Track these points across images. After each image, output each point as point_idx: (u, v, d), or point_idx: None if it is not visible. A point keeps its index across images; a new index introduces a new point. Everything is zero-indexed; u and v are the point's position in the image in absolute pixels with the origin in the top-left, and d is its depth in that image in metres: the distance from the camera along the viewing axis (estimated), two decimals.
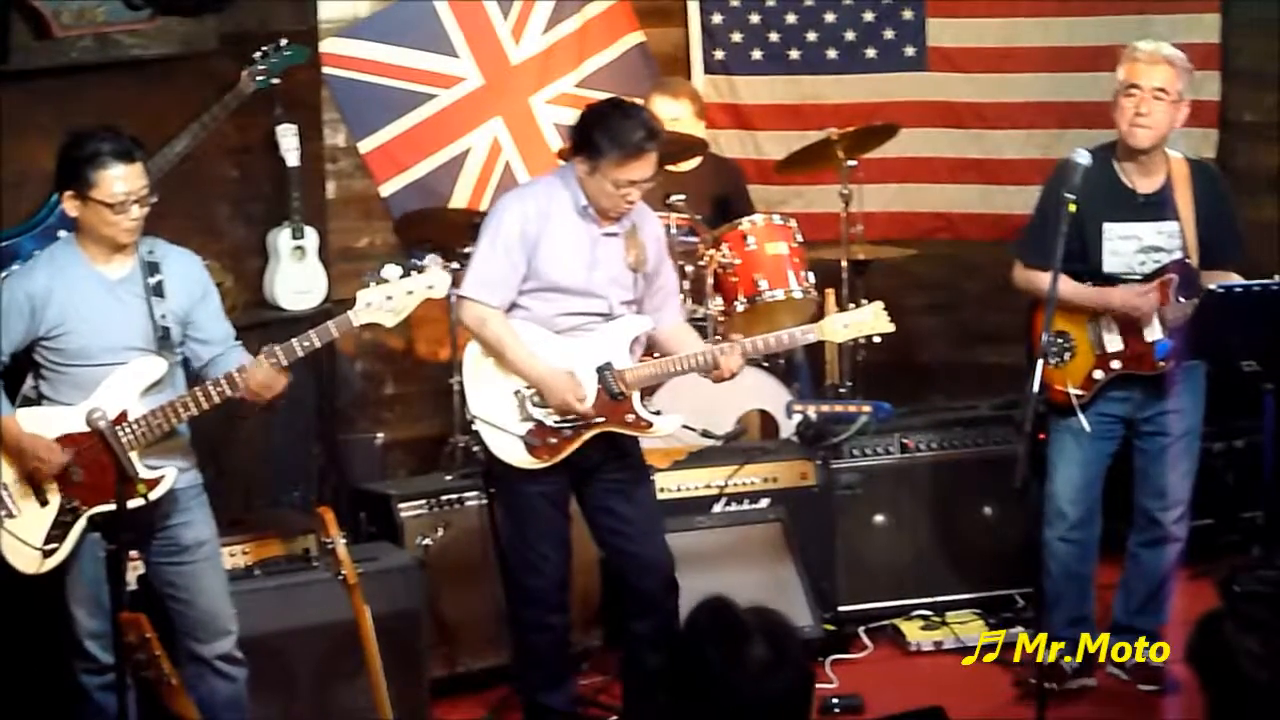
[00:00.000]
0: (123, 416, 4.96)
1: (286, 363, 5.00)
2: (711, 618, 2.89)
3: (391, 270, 5.05)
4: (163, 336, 5.01)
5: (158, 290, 5.02)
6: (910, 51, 8.07)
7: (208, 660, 5.12)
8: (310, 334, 5.02)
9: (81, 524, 4.97)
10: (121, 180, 4.92)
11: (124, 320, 5.00)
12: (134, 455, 4.94)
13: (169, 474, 4.99)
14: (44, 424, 4.99)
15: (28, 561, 4.98)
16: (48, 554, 4.98)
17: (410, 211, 7.32)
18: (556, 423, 5.39)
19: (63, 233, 6.50)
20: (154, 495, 4.96)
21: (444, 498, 6.23)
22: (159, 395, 5.01)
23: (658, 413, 5.55)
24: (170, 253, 5.14)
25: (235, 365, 5.01)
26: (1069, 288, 5.69)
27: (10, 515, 4.99)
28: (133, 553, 5.13)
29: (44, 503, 4.98)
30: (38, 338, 4.99)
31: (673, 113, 7.26)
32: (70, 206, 4.98)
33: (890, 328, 5.58)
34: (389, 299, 5.00)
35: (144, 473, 4.93)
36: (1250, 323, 5.69)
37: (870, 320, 5.56)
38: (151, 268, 5.04)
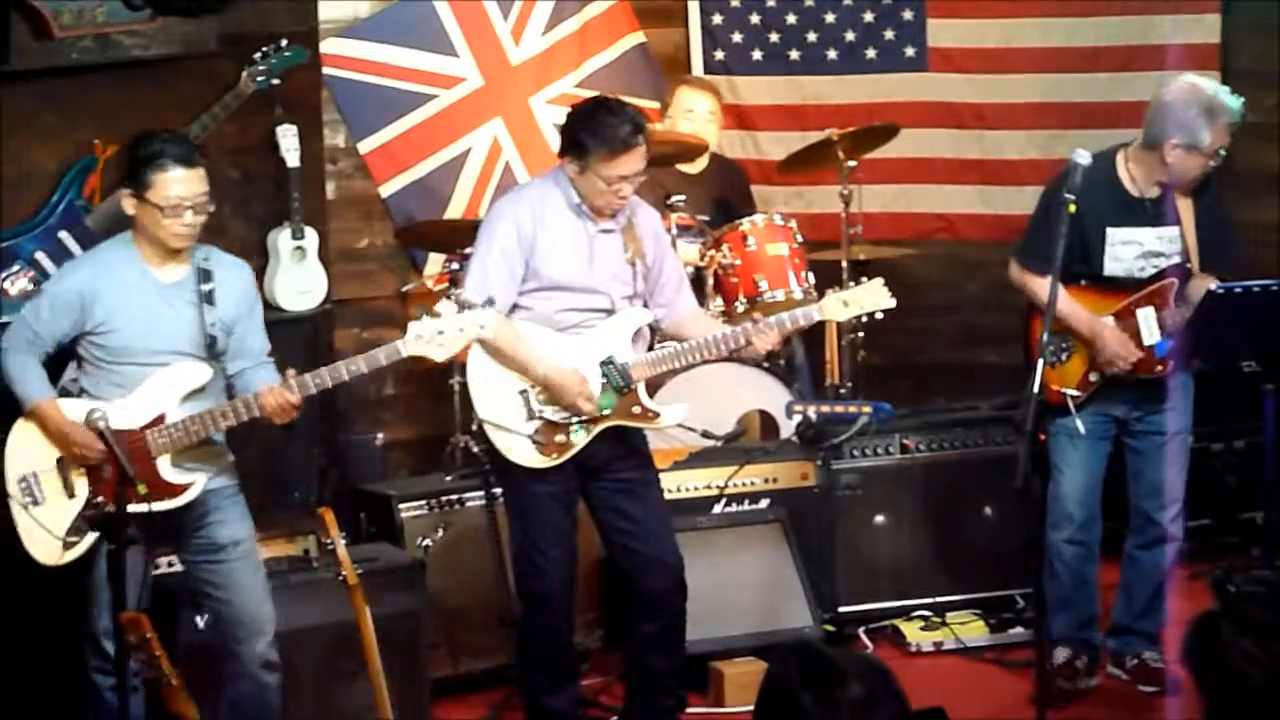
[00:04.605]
0: (160, 419, 4.97)
1: (315, 390, 4.99)
2: (800, 663, 2.84)
3: (446, 305, 5.04)
4: (209, 344, 5.02)
5: (209, 298, 5.03)
6: (910, 52, 8.07)
7: (244, 660, 5.11)
8: (358, 359, 5.05)
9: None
10: (178, 184, 4.92)
11: (172, 324, 5.01)
12: (166, 459, 4.96)
13: (197, 482, 5.00)
14: (79, 417, 4.97)
15: (47, 551, 4.98)
16: (68, 545, 4.98)
17: (411, 223, 7.33)
18: (563, 419, 5.39)
19: (63, 234, 6.54)
20: (178, 503, 4.98)
21: (444, 498, 6.23)
22: (198, 402, 5.02)
23: None
24: (224, 262, 5.15)
25: (261, 381, 5.03)
26: (1064, 304, 5.69)
27: (35, 503, 5.01)
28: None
29: (71, 495, 4.99)
30: (84, 332, 5.00)
31: (692, 104, 7.30)
32: (127, 204, 5.00)
33: (891, 303, 5.57)
34: (440, 333, 4.98)
35: (174, 478, 4.96)
36: (1250, 323, 5.69)
37: (871, 297, 5.55)
38: (204, 275, 5.05)
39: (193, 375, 5.02)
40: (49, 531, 4.98)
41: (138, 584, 5.01)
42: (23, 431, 5.04)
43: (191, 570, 5.17)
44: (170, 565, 5.37)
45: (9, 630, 5.44)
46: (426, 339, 4.99)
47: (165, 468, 4.98)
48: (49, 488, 5.01)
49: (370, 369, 5.08)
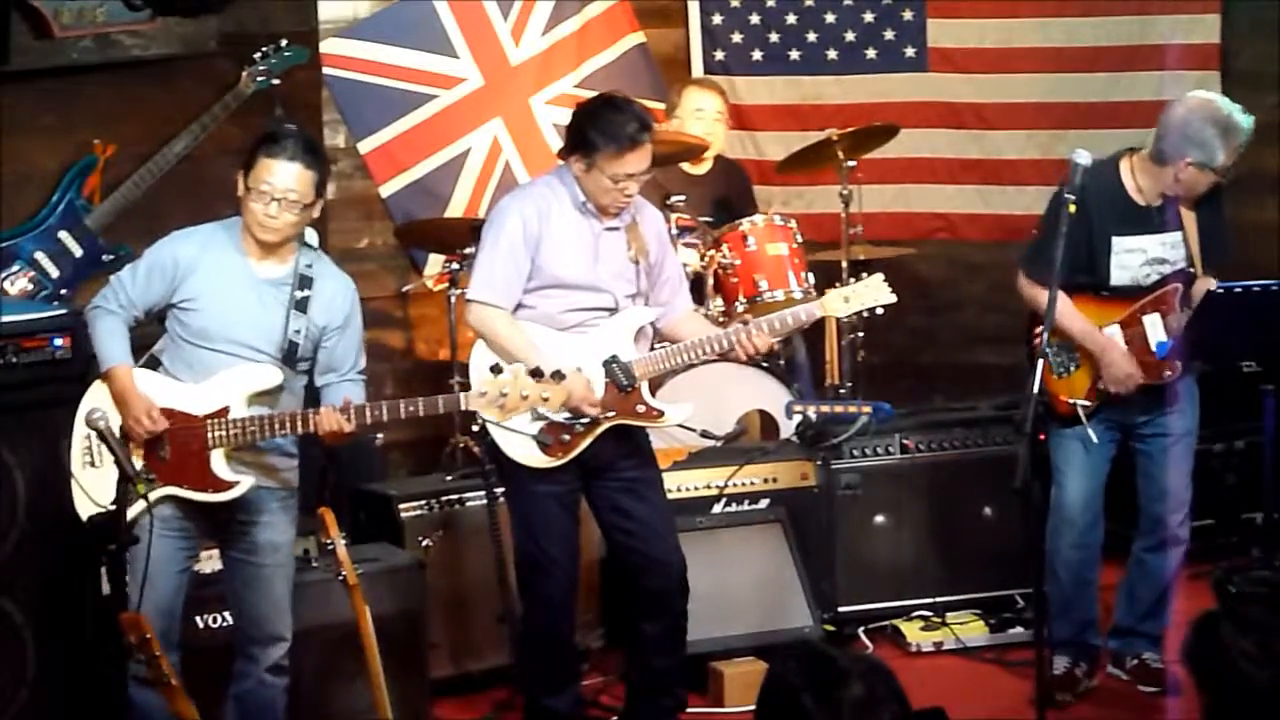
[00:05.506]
0: (223, 412, 4.97)
1: (370, 421, 4.98)
2: (801, 664, 2.84)
3: (516, 370, 5.00)
4: (289, 350, 5.02)
5: (301, 305, 5.03)
6: (910, 52, 8.08)
7: (255, 661, 5.12)
8: (417, 401, 5.06)
9: (152, 498, 4.87)
10: (275, 174, 4.94)
11: (256, 319, 5.00)
12: (221, 453, 4.97)
13: (243, 483, 4.99)
14: (151, 390, 5.01)
15: (91, 514, 4.97)
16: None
17: (410, 222, 7.33)
18: (568, 419, 5.39)
19: (63, 234, 6.54)
20: (219, 498, 4.98)
21: (444, 498, 6.23)
22: (266, 406, 5.01)
23: None
24: (327, 272, 5.14)
25: (344, 397, 5.01)
26: (1069, 320, 5.67)
27: (93, 465, 5.02)
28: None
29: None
30: (172, 303, 5.02)
31: (701, 104, 7.30)
32: (239, 185, 5.03)
33: (892, 298, 5.56)
34: (503, 395, 4.95)
35: (223, 473, 4.97)
36: (1250, 323, 5.69)
37: (871, 292, 5.54)
38: (304, 280, 5.05)
39: (262, 377, 5.00)
40: (94, 496, 4.97)
41: (178, 574, 5.04)
42: (96, 393, 5.05)
43: (227, 566, 5.18)
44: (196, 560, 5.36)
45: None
46: (490, 399, 4.95)
47: (217, 461, 4.98)
48: (108, 453, 4.99)
49: (426, 413, 5.08)
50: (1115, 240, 5.73)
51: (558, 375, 5.02)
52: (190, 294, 5.00)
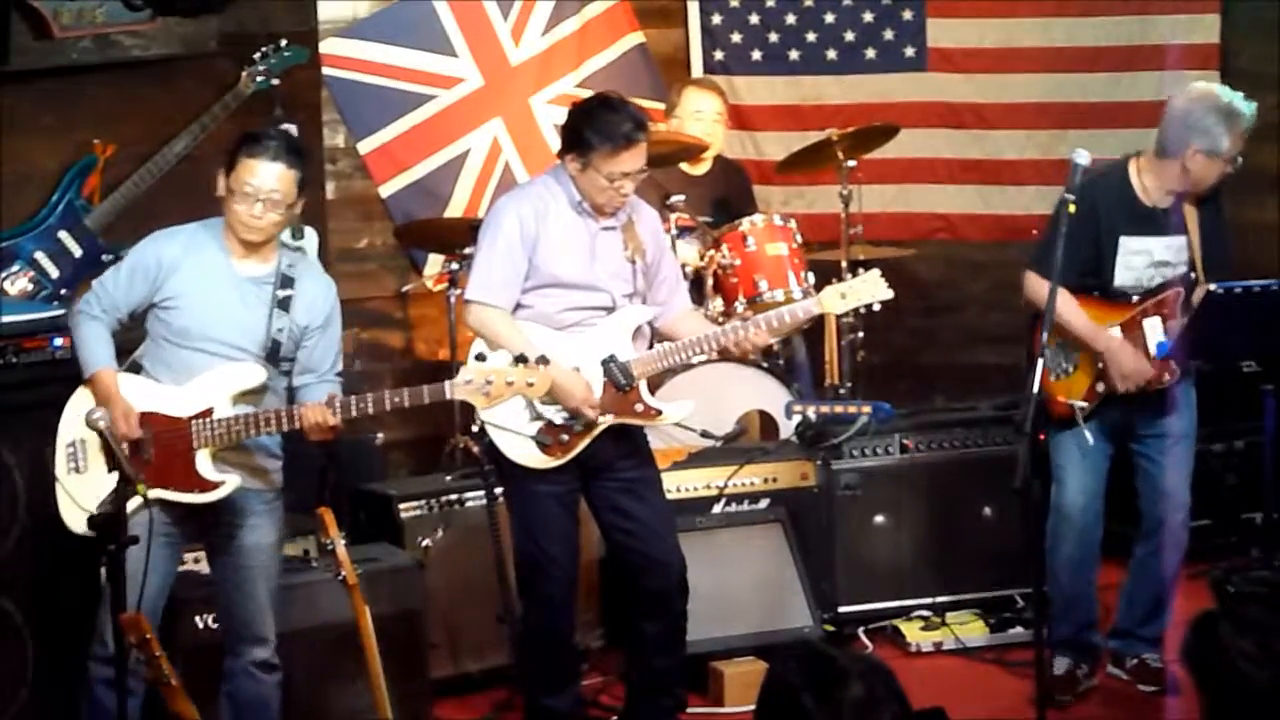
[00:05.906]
0: (207, 412, 4.98)
1: (355, 414, 5.01)
2: (801, 664, 2.84)
3: (500, 357, 5.05)
4: (272, 348, 5.02)
5: (283, 304, 5.03)
6: (910, 52, 8.08)
7: (242, 659, 5.14)
8: (402, 392, 5.06)
9: (138, 501, 4.84)
10: (254, 172, 4.95)
11: (238, 318, 5.01)
12: (206, 453, 4.97)
13: (229, 483, 5.00)
14: (134, 394, 5.01)
15: (76, 520, 4.98)
16: None
17: (410, 222, 7.33)
18: (566, 419, 5.39)
19: (63, 234, 6.54)
20: (204, 498, 4.98)
21: (444, 498, 6.23)
22: (250, 405, 5.01)
23: None
24: (309, 273, 5.16)
25: (321, 397, 5.02)
26: (1073, 318, 5.68)
27: (77, 470, 5.03)
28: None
29: (110, 469, 4.94)
30: (154, 303, 5.03)
31: (700, 105, 7.30)
32: (220, 186, 5.04)
33: (889, 294, 5.54)
34: (488, 382, 4.96)
35: (208, 474, 4.97)
36: (1250, 323, 5.69)
37: (868, 288, 5.53)
38: (286, 280, 5.05)
39: (246, 375, 5.01)
40: (80, 501, 4.97)
41: (164, 575, 5.03)
42: (80, 398, 5.05)
43: (215, 570, 5.19)
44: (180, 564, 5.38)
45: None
46: (475, 387, 4.97)
47: (202, 462, 4.99)
48: (93, 458, 5.00)
49: (412, 404, 5.09)
50: (1123, 240, 5.72)
51: (542, 360, 5.02)
52: (172, 293, 5.00)
